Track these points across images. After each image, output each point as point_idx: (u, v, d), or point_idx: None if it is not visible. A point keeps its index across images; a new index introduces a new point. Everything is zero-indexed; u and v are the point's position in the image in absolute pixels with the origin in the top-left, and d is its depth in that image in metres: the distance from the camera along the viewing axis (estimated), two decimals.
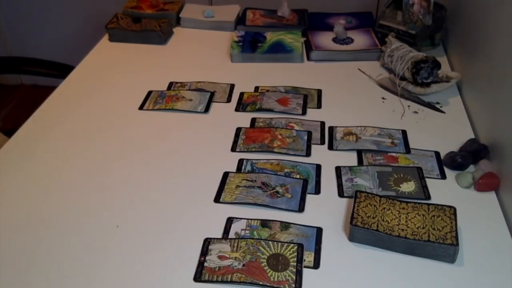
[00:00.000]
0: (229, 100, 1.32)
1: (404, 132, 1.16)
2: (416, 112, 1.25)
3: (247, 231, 0.92)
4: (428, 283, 0.82)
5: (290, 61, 1.48)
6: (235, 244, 0.88)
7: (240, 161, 1.09)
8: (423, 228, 0.88)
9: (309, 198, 1.00)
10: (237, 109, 1.28)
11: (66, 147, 1.16)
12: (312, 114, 1.25)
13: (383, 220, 0.89)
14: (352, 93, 1.33)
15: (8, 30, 2.61)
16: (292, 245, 0.87)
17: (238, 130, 1.19)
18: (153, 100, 1.31)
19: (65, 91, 1.38)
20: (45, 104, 1.32)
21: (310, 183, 1.03)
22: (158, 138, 1.18)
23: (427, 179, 1.02)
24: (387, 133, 1.16)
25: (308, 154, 1.11)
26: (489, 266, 0.85)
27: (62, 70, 1.71)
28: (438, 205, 0.92)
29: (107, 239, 0.92)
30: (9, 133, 1.25)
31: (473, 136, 1.15)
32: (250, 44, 1.52)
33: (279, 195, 0.99)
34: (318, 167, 1.07)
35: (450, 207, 0.91)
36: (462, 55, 1.38)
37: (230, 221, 0.94)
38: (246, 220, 0.94)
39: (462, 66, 1.36)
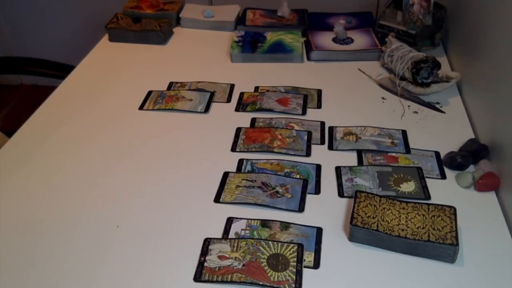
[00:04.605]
0: (229, 100, 1.32)
1: (404, 132, 1.16)
2: (416, 112, 1.25)
3: (247, 231, 0.92)
4: (428, 283, 0.82)
5: (290, 61, 1.48)
6: (235, 244, 0.88)
7: (240, 161, 1.09)
8: (423, 228, 0.88)
9: (309, 198, 1.00)
10: (237, 109, 1.28)
11: (66, 147, 1.16)
12: (312, 114, 1.25)
13: (383, 220, 0.89)
14: (352, 93, 1.33)
15: (8, 30, 2.62)
16: (292, 245, 0.87)
17: (238, 130, 1.19)
18: (153, 100, 1.32)
19: (65, 91, 1.38)
20: (45, 104, 1.32)
21: (310, 183, 1.03)
22: (158, 138, 1.18)
23: (427, 179, 1.02)
24: (387, 133, 1.16)
25: (308, 154, 1.11)
26: (489, 266, 0.85)
27: (62, 70, 1.71)
28: (438, 205, 0.92)
29: (107, 239, 0.92)
30: (9, 133, 1.25)
31: (473, 136, 1.15)
32: (250, 44, 1.52)
33: (279, 195, 0.99)
34: (318, 167, 1.07)
35: (450, 207, 0.91)
36: (462, 55, 1.38)
37: (230, 221, 0.94)
38: (246, 220, 0.94)
39: (462, 66, 1.36)
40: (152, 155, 1.12)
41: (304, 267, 0.84)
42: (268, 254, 0.86)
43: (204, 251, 0.87)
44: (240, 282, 0.82)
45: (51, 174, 1.08)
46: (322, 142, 1.15)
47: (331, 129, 1.19)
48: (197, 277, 0.83)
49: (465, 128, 1.18)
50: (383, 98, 1.31)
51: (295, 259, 0.85)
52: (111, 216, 0.97)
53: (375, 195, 0.94)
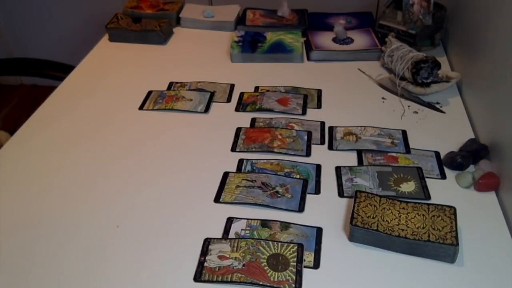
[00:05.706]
0: (229, 100, 1.32)
1: (404, 132, 1.16)
2: (416, 112, 1.25)
3: (247, 231, 0.92)
4: (428, 283, 0.82)
5: (290, 61, 1.48)
6: (235, 244, 0.88)
7: (240, 161, 1.09)
8: (423, 228, 0.88)
9: (309, 198, 1.00)
10: (237, 109, 1.28)
11: (66, 147, 1.16)
12: (312, 114, 1.25)
13: (383, 220, 0.89)
14: (352, 93, 1.33)
15: (8, 30, 2.61)
16: (292, 245, 0.87)
17: (238, 130, 1.19)
18: (153, 100, 1.32)
19: (65, 91, 1.38)
20: (45, 104, 1.32)
21: (310, 183, 1.03)
22: (158, 138, 1.18)
23: (427, 179, 1.02)
24: (387, 133, 1.16)
25: (308, 154, 1.11)
26: (489, 266, 0.85)
27: (62, 70, 1.71)
28: (438, 205, 0.92)
29: (107, 239, 0.92)
30: (10, 133, 1.25)
31: (473, 136, 1.15)
32: (250, 44, 1.52)
33: (279, 195, 0.99)
34: (318, 167, 1.07)
35: (450, 207, 0.91)
36: (462, 55, 1.38)
37: (230, 221, 0.94)
38: (246, 220, 0.94)
39: (462, 66, 1.36)
40: (152, 155, 1.12)
41: (304, 267, 0.84)
42: (268, 254, 0.86)
43: (204, 251, 0.87)
44: (240, 282, 0.82)
45: (51, 174, 1.08)
46: (322, 142, 1.15)
47: (331, 129, 1.19)
48: (197, 277, 0.83)
49: (465, 128, 1.18)
50: (383, 98, 1.31)
51: (295, 259, 0.85)
52: (111, 216, 0.97)
53: (375, 195, 0.94)
